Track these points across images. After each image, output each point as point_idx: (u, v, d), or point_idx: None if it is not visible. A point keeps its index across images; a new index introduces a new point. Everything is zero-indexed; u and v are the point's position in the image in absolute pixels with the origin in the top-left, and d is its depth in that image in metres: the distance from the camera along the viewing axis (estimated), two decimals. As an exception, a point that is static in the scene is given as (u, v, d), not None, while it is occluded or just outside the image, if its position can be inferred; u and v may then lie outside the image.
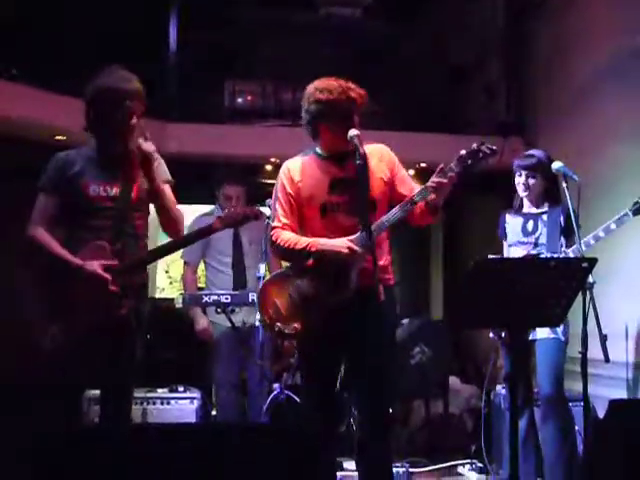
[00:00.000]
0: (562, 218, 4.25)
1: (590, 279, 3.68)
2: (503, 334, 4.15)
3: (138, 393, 5.13)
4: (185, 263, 5.38)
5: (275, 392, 5.10)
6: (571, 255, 4.04)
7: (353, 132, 3.34)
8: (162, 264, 8.76)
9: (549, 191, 4.34)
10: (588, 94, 5.90)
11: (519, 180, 4.34)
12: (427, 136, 7.06)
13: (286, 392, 5.13)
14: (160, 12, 7.18)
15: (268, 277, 3.98)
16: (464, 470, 5.26)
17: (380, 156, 3.55)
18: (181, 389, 5.28)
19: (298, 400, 5.02)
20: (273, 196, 3.59)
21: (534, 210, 4.37)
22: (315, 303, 3.37)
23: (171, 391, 5.26)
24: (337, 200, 3.43)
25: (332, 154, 3.50)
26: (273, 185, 3.64)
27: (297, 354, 4.86)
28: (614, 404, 2.87)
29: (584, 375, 3.76)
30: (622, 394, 5.03)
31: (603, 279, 3.98)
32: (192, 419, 5.13)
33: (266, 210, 4.54)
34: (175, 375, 5.64)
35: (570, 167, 4.09)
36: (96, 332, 3.38)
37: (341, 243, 3.33)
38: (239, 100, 7.73)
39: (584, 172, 4.21)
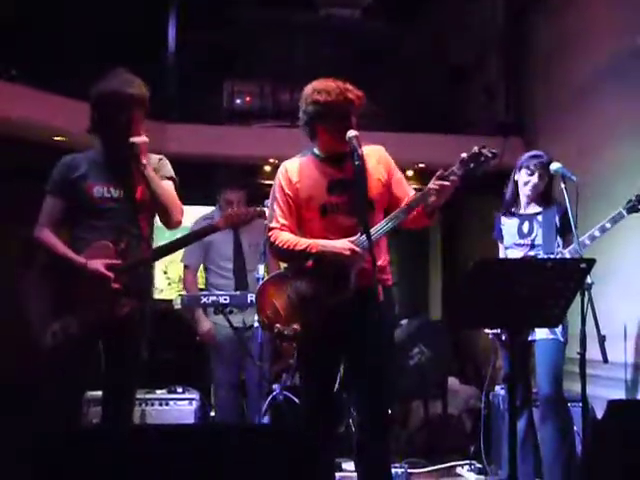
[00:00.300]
0: (557, 218, 4.25)
1: (588, 280, 3.68)
2: (503, 336, 4.16)
3: (137, 394, 5.13)
4: (185, 267, 5.38)
5: (274, 393, 5.11)
6: (567, 256, 4.04)
7: (351, 133, 3.34)
8: (160, 265, 8.76)
9: (547, 191, 4.34)
10: (588, 94, 5.91)
11: (529, 179, 4.31)
12: (426, 136, 7.05)
13: (285, 393, 5.13)
14: (159, 12, 7.17)
15: (266, 278, 3.97)
16: (463, 471, 5.26)
17: (378, 157, 3.55)
18: (180, 390, 5.28)
19: (297, 401, 5.02)
20: (271, 197, 3.58)
21: (530, 211, 4.36)
22: (314, 304, 3.36)
23: (170, 392, 5.26)
24: (336, 201, 3.43)
25: (330, 155, 3.50)
26: (271, 186, 3.63)
27: (296, 355, 4.86)
28: (612, 405, 2.87)
29: (582, 376, 3.76)
30: (620, 395, 5.03)
31: (601, 280, 3.99)
32: (191, 420, 5.14)
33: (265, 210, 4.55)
34: (174, 376, 5.64)
35: (569, 167, 4.10)
36: (98, 331, 3.39)
37: (342, 245, 3.32)
38: (238, 101, 7.74)
39: (583, 172, 4.22)
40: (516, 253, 4.33)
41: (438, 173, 3.33)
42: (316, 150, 3.56)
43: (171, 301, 4.96)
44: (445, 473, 5.30)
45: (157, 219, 3.67)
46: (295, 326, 3.35)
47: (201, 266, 5.40)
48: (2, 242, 5.74)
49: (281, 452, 2.35)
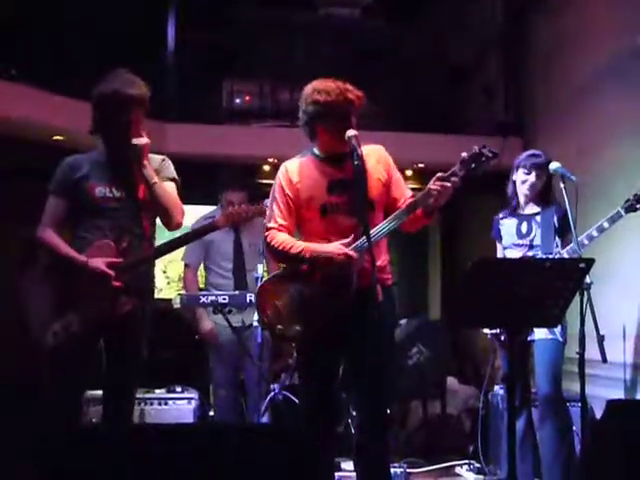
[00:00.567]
0: (555, 218, 4.25)
1: (587, 280, 3.69)
2: (502, 336, 4.16)
3: (136, 394, 5.14)
4: (186, 265, 5.38)
5: (273, 392, 5.11)
6: (565, 256, 4.05)
7: (351, 132, 3.34)
8: (160, 264, 8.75)
9: (546, 191, 4.34)
10: (587, 94, 5.91)
11: (527, 178, 4.31)
12: (426, 136, 7.06)
13: (284, 392, 5.14)
14: (159, 12, 7.18)
15: (267, 278, 3.97)
16: (462, 471, 5.26)
17: (377, 157, 3.55)
18: (179, 389, 5.28)
19: (296, 401, 5.02)
20: (270, 196, 3.57)
21: (528, 211, 4.37)
22: (317, 305, 3.37)
23: (169, 392, 5.26)
24: (336, 201, 3.42)
25: (330, 155, 3.50)
26: (271, 185, 3.63)
27: (296, 355, 4.86)
28: (612, 404, 2.88)
29: (582, 375, 3.77)
30: (619, 394, 5.03)
31: (601, 280, 3.99)
32: (190, 419, 5.14)
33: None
34: (173, 376, 5.64)
35: (569, 167, 4.10)
36: (99, 329, 3.40)
37: (333, 249, 3.32)
38: (237, 100, 7.74)
39: (583, 172, 4.22)
40: (515, 253, 4.33)
41: (439, 174, 3.32)
42: (316, 150, 3.56)
43: (170, 300, 4.97)
44: (444, 473, 5.30)
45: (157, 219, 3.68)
46: (297, 327, 3.35)
47: (201, 266, 5.40)
48: (2, 242, 5.74)
49: (281, 452, 2.36)
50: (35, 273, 3.56)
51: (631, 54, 5.27)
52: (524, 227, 4.33)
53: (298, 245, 3.40)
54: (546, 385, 4.16)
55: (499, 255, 4.47)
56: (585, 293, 3.76)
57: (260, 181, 7.07)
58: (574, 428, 4.43)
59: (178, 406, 5.19)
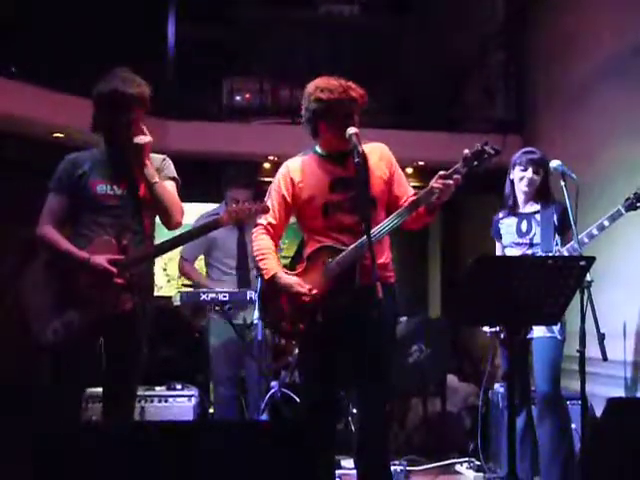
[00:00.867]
0: (556, 217, 4.25)
1: (588, 277, 3.68)
2: (502, 334, 4.15)
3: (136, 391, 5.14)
4: (183, 258, 5.37)
5: (272, 390, 5.11)
6: (566, 254, 4.05)
7: (351, 130, 3.34)
8: (160, 262, 8.76)
9: (545, 189, 4.34)
10: (588, 92, 5.90)
11: (523, 174, 4.31)
12: (426, 134, 7.05)
13: (283, 390, 5.14)
14: (159, 10, 7.17)
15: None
16: (462, 468, 5.26)
17: (380, 155, 3.55)
18: (179, 387, 5.28)
19: (296, 398, 5.02)
20: (267, 193, 3.60)
21: (528, 209, 4.36)
22: (320, 302, 3.37)
23: (169, 389, 5.26)
24: (338, 199, 3.43)
25: (332, 153, 3.51)
26: (271, 183, 3.64)
27: (298, 352, 4.86)
28: (612, 402, 2.88)
29: (582, 373, 3.77)
30: (620, 392, 5.03)
31: (601, 278, 3.99)
32: (190, 417, 5.13)
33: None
34: (173, 373, 5.64)
35: (569, 165, 4.10)
36: (100, 327, 3.40)
37: (290, 287, 3.37)
38: (237, 98, 7.74)
39: (583, 170, 4.22)
40: (515, 252, 4.33)
41: (441, 172, 3.32)
42: (318, 148, 3.56)
43: (170, 298, 4.97)
44: (444, 471, 5.29)
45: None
46: (300, 325, 3.35)
47: (202, 262, 5.40)
48: (2, 240, 5.74)
49: (281, 449, 2.36)
50: (35, 270, 3.56)
51: (632, 52, 5.28)
52: (524, 226, 4.33)
53: (266, 263, 3.47)
54: (545, 383, 4.16)
55: (499, 254, 4.47)
56: (586, 291, 3.75)
57: (260, 179, 7.07)
58: (574, 426, 4.43)
59: (178, 403, 5.19)
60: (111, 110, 3.48)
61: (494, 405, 5.17)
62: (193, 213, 5.25)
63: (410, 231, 3.62)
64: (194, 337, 5.38)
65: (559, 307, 3.04)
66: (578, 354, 3.78)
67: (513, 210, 4.40)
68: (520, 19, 7.31)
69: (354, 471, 3.58)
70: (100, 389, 3.65)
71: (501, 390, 5.06)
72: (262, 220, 3.54)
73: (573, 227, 3.93)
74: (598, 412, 4.52)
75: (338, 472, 4.79)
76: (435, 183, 3.31)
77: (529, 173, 4.30)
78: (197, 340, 5.35)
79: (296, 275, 3.45)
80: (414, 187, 3.63)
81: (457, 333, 7.21)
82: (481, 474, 5.01)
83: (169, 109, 6.82)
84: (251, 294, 4.73)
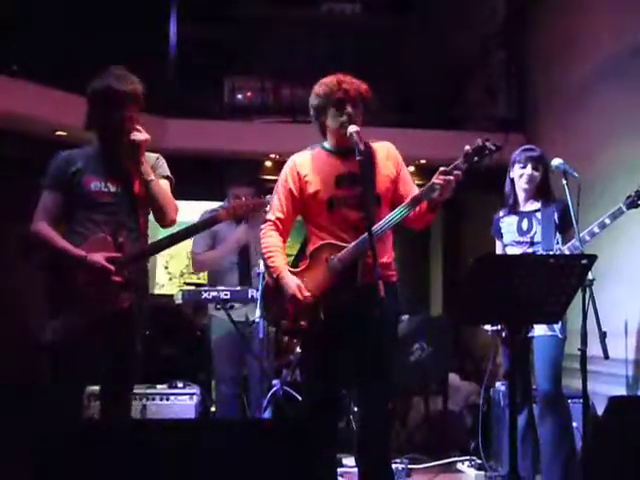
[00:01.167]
0: (556, 215, 4.25)
1: (590, 276, 3.68)
2: (503, 333, 4.15)
3: (137, 389, 5.14)
4: (196, 253, 5.29)
5: (274, 388, 5.11)
6: (566, 252, 4.05)
7: (353, 128, 3.35)
8: (161, 260, 8.78)
9: (545, 186, 4.34)
10: (589, 91, 5.91)
11: (523, 172, 4.32)
12: (428, 132, 7.06)
13: (285, 388, 5.14)
14: (160, 9, 7.17)
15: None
16: (463, 467, 5.26)
17: (387, 154, 3.57)
18: (180, 385, 5.28)
19: (297, 396, 5.03)
20: (275, 187, 3.60)
21: (528, 208, 4.36)
22: (322, 300, 3.37)
23: (170, 387, 5.26)
24: (344, 195, 3.44)
25: (339, 148, 3.52)
26: (273, 181, 3.65)
27: (299, 350, 4.86)
28: (613, 401, 2.88)
29: (583, 372, 3.76)
30: (621, 391, 5.04)
31: (603, 276, 3.99)
32: (191, 415, 5.13)
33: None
34: (174, 371, 5.65)
35: (570, 163, 4.09)
36: (98, 325, 3.39)
37: (290, 289, 3.37)
38: (239, 96, 7.75)
39: (584, 168, 4.22)
40: (515, 250, 4.33)
41: (442, 168, 3.32)
42: (326, 143, 3.58)
43: (172, 296, 4.96)
44: (445, 469, 5.29)
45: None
46: (302, 322, 3.35)
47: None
48: (3, 238, 5.74)
49: (283, 448, 2.36)
50: (33, 267, 3.55)
51: (630, 53, 5.29)
52: (525, 224, 4.33)
53: (274, 260, 3.46)
54: (546, 382, 4.16)
55: (499, 253, 4.47)
56: (587, 289, 3.75)
57: (262, 177, 7.08)
58: (575, 425, 4.43)
59: (180, 401, 5.19)
60: (105, 107, 3.47)
61: (495, 403, 5.17)
62: (195, 211, 5.25)
63: (413, 230, 3.62)
64: (196, 335, 5.38)
65: (561, 306, 3.04)
66: (580, 352, 3.77)
67: (514, 208, 4.40)
68: (520, 19, 7.32)
69: (355, 469, 3.57)
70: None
71: (502, 389, 5.06)
72: (270, 215, 3.54)
73: (575, 225, 3.92)
74: (600, 410, 4.53)
75: (340, 470, 4.79)
76: (436, 179, 3.31)
77: (528, 170, 4.31)
78: (199, 338, 5.35)
79: (298, 272, 3.45)
80: (417, 185, 3.63)
81: (458, 332, 7.21)
82: (482, 472, 5.00)
83: (170, 108, 6.83)
84: (252, 292, 4.73)
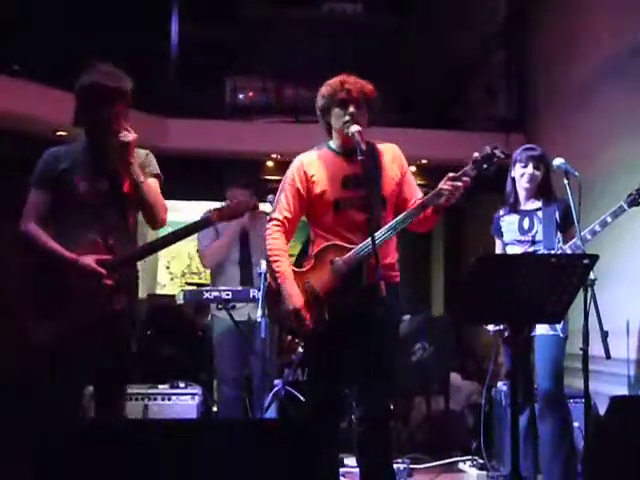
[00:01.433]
0: (558, 214, 4.24)
1: (591, 276, 3.68)
2: (506, 333, 4.15)
3: (139, 389, 5.15)
4: (203, 249, 5.27)
5: (276, 388, 5.11)
6: (568, 251, 4.04)
7: (354, 128, 3.35)
8: (163, 260, 8.79)
9: (546, 185, 4.34)
10: (589, 90, 5.91)
11: (524, 171, 4.31)
12: (429, 133, 7.06)
13: (287, 388, 5.14)
14: (161, 8, 7.18)
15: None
16: (465, 466, 5.25)
17: (392, 156, 3.56)
18: (182, 385, 5.28)
19: (299, 396, 5.03)
20: (280, 186, 3.57)
21: (529, 206, 4.36)
22: (327, 301, 3.37)
23: (172, 387, 5.26)
24: (350, 196, 3.43)
25: (345, 149, 3.51)
26: (274, 181, 3.64)
27: (304, 350, 4.85)
28: (615, 401, 2.88)
29: (585, 371, 3.76)
30: (623, 391, 5.04)
31: (605, 276, 3.99)
32: (193, 415, 5.14)
33: (266, 207, 4.54)
34: (176, 371, 5.65)
35: (571, 163, 4.09)
36: (91, 327, 3.35)
37: (292, 304, 3.34)
38: (240, 96, 7.76)
39: (585, 168, 4.22)
40: (517, 249, 4.32)
41: (450, 174, 3.31)
42: (332, 144, 3.57)
43: (174, 296, 4.96)
44: (447, 469, 5.29)
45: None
46: (307, 322, 3.35)
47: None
48: (3, 237, 5.74)
49: (285, 447, 2.36)
50: (25, 269, 3.48)
51: (630, 53, 5.30)
52: (526, 223, 4.32)
53: (280, 265, 3.43)
54: (546, 381, 4.15)
55: (499, 251, 4.47)
56: (589, 289, 3.75)
57: (264, 177, 7.08)
58: (577, 424, 4.43)
59: (181, 402, 5.19)
60: (92, 104, 3.39)
61: (497, 403, 5.16)
62: (196, 211, 5.25)
63: (416, 233, 3.62)
64: (197, 335, 5.37)
65: (562, 305, 3.04)
66: (581, 352, 3.77)
67: (514, 207, 4.40)
68: (520, 19, 7.32)
69: (357, 469, 3.58)
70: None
71: (504, 388, 5.05)
72: (277, 214, 3.51)
73: (576, 224, 3.92)
74: (601, 410, 4.53)
75: (341, 470, 4.79)
76: (444, 185, 3.30)
77: (530, 169, 4.30)
78: (200, 338, 5.35)
79: (303, 273, 3.45)
80: (417, 185, 3.63)
81: (460, 331, 7.21)
82: (484, 472, 5.00)
83: (171, 107, 6.84)
84: (254, 292, 4.72)
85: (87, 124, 3.50)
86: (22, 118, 5.84)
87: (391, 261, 3.49)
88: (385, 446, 3.49)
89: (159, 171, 3.59)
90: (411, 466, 5.04)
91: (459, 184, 3.29)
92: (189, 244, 5.20)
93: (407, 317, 6.06)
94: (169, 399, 5.19)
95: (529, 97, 7.24)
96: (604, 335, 3.81)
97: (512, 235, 4.36)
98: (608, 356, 3.83)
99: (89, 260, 3.32)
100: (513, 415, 3.15)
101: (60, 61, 5.97)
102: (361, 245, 3.34)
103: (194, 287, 5.43)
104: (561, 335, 4.15)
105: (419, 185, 3.64)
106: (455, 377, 6.41)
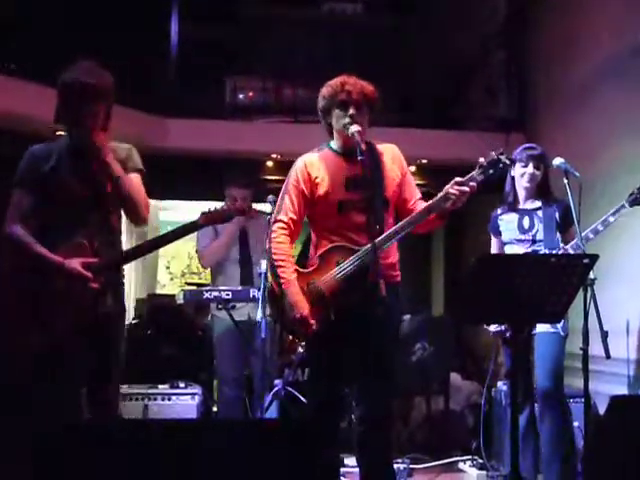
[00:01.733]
0: (558, 215, 4.24)
1: (591, 275, 3.68)
2: (507, 333, 4.15)
3: (139, 389, 5.15)
4: (202, 249, 5.26)
5: (276, 388, 5.11)
6: (570, 251, 4.04)
7: (354, 128, 3.34)
8: (163, 260, 8.79)
9: (545, 185, 4.34)
10: (589, 90, 5.91)
11: (524, 170, 4.31)
12: (429, 132, 7.06)
13: (287, 388, 5.14)
14: (161, 8, 7.18)
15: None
16: (465, 466, 5.25)
17: (392, 157, 3.56)
18: (182, 385, 5.28)
19: (299, 396, 5.03)
20: (283, 188, 3.55)
21: (529, 206, 4.36)
22: (332, 301, 3.37)
23: (172, 387, 5.26)
24: (353, 197, 3.42)
25: (346, 150, 3.50)
26: (274, 182, 3.64)
27: (305, 350, 4.85)
28: (615, 400, 2.88)
29: (585, 371, 3.76)
30: (623, 390, 5.04)
31: (605, 275, 3.99)
32: (193, 415, 5.14)
33: (266, 207, 4.54)
34: (176, 371, 5.65)
35: (571, 163, 4.10)
36: (79, 330, 3.31)
37: (298, 312, 3.32)
38: (240, 96, 7.76)
39: (585, 168, 4.22)
40: (517, 248, 4.31)
41: (457, 179, 3.32)
42: (333, 144, 3.57)
43: (174, 296, 4.96)
44: (447, 469, 5.29)
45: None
46: (311, 321, 3.35)
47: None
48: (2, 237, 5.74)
49: (285, 447, 2.36)
50: (9, 272, 3.40)
51: (630, 53, 5.30)
52: (526, 222, 4.32)
53: (284, 271, 3.40)
54: (546, 380, 4.15)
55: (495, 250, 4.47)
56: (589, 289, 3.75)
57: (264, 177, 7.08)
58: (577, 424, 4.42)
59: (181, 402, 5.19)
60: (72, 100, 3.34)
61: (497, 403, 5.16)
62: (195, 211, 5.24)
63: (418, 235, 3.63)
64: (197, 335, 5.37)
65: (562, 305, 3.04)
66: (581, 352, 3.78)
67: (513, 206, 4.40)
68: (520, 19, 7.33)
69: (357, 469, 3.57)
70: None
71: (504, 388, 5.05)
72: (283, 216, 3.48)
73: (576, 224, 3.92)
74: (601, 410, 4.53)
75: (341, 470, 4.79)
76: (451, 189, 3.31)
77: (530, 169, 4.30)
78: (200, 338, 5.35)
79: (308, 273, 3.44)
80: (417, 185, 3.64)
81: (460, 331, 7.21)
82: (484, 472, 5.00)
83: (171, 107, 6.84)
84: (254, 292, 4.72)
85: (68, 122, 3.44)
86: (21, 118, 5.83)
87: (392, 261, 3.49)
88: (385, 446, 3.49)
89: (142, 166, 3.51)
90: (411, 466, 5.04)
91: (466, 189, 3.30)
92: (188, 244, 5.20)
93: (407, 317, 6.06)
94: (169, 399, 5.19)
95: (529, 97, 7.25)
96: (604, 335, 3.82)
97: (511, 234, 4.36)
98: (608, 356, 3.83)
99: (75, 263, 3.27)
100: (513, 415, 3.16)
101: (59, 61, 5.96)
102: (365, 249, 3.34)
103: (194, 287, 5.43)
104: (561, 333, 4.15)
105: (419, 185, 3.64)
106: (455, 377, 6.41)
